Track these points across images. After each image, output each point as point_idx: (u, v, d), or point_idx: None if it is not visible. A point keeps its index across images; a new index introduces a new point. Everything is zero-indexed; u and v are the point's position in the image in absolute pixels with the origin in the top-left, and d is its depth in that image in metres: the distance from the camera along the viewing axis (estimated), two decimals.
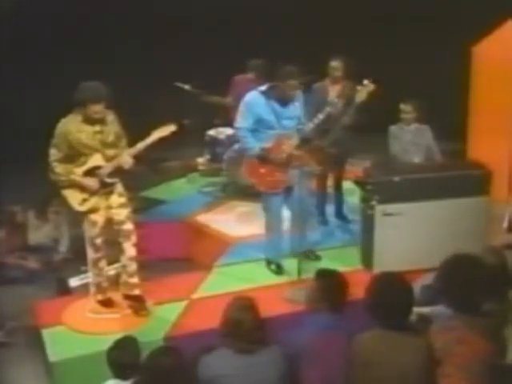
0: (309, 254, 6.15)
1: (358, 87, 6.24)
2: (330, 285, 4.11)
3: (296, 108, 5.86)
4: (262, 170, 5.90)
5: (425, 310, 3.99)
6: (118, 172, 5.34)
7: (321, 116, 5.89)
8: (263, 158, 5.85)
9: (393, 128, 6.72)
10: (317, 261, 6.14)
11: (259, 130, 5.82)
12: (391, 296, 3.54)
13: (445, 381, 3.51)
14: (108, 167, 5.27)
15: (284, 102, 5.78)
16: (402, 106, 6.60)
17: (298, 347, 3.86)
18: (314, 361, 3.84)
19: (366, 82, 6.20)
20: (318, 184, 7.12)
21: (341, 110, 6.40)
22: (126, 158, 5.26)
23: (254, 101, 5.81)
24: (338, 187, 7.17)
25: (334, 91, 6.67)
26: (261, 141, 5.83)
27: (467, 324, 3.56)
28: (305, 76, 5.77)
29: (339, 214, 7.20)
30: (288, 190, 5.96)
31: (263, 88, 5.83)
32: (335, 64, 6.63)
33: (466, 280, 3.59)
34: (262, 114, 5.77)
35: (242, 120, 5.84)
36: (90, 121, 5.16)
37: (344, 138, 6.68)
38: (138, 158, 5.34)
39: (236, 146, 7.83)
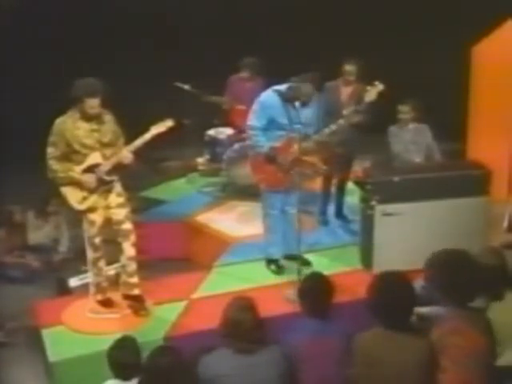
0: (298, 259, 6.08)
1: (368, 87, 6.27)
2: (312, 289, 4.20)
3: (310, 112, 5.86)
4: (267, 168, 5.91)
5: (424, 309, 3.99)
6: (117, 169, 5.35)
7: (333, 127, 5.93)
8: (270, 158, 5.85)
9: (392, 128, 6.76)
10: (306, 266, 5.95)
11: (270, 130, 5.83)
12: (393, 295, 3.54)
13: (441, 376, 3.52)
14: (107, 164, 5.28)
15: (299, 105, 5.78)
16: (400, 107, 6.64)
17: (288, 351, 3.89)
18: (304, 365, 3.88)
19: (376, 82, 6.24)
20: (324, 184, 7.13)
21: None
22: (126, 154, 5.28)
23: (268, 101, 5.81)
24: (340, 187, 7.16)
25: (346, 92, 6.72)
26: (270, 140, 5.84)
27: (461, 316, 3.60)
28: (320, 81, 5.80)
29: (339, 214, 7.21)
30: (288, 191, 5.96)
31: (280, 88, 5.83)
32: (349, 68, 6.65)
33: (455, 272, 3.62)
34: (275, 115, 5.77)
35: (255, 119, 5.84)
36: (86, 118, 5.18)
37: (351, 138, 6.70)
38: (136, 155, 5.35)
39: (236, 146, 7.84)
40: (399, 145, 6.68)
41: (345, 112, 6.23)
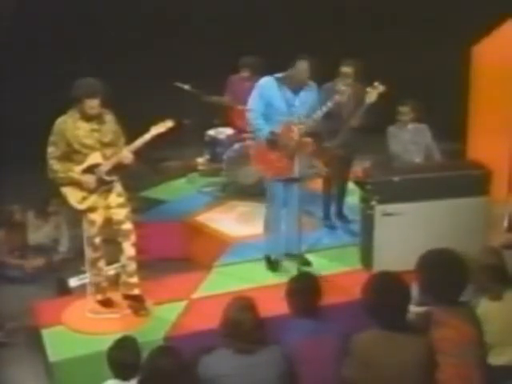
0: (298, 259, 6.01)
1: (368, 89, 6.26)
2: (299, 290, 4.22)
3: (307, 97, 5.87)
4: (270, 156, 5.89)
5: (422, 309, 3.99)
6: (117, 169, 5.34)
7: (329, 103, 5.89)
8: (272, 143, 5.84)
9: (391, 128, 6.75)
10: (306, 266, 6.03)
11: (269, 115, 5.84)
12: (388, 295, 3.54)
13: (438, 372, 3.53)
14: (107, 164, 5.27)
15: (296, 89, 5.79)
16: (400, 108, 6.63)
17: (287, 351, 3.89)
18: (298, 365, 3.87)
19: (376, 83, 6.23)
20: (324, 187, 7.08)
21: (350, 112, 6.44)
22: (126, 154, 5.27)
23: (266, 85, 5.85)
24: (341, 188, 7.13)
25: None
26: (270, 125, 5.84)
27: (448, 311, 3.65)
28: (314, 59, 5.79)
29: (339, 214, 7.20)
30: (290, 184, 5.94)
31: (278, 75, 5.87)
32: (347, 70, 6.58)
33: (441, 273, 3.67)
34: (272, 98, 5.80)
35: (254, 103, 5.87)
36: (86, 118, 5.18)
37: (351, 140, 6.66)
38: (137, 155, 5.35)
39: (236, 146, 7.84)
40: (398, 145, 6.68)
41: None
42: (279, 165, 5.90)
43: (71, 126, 5.17)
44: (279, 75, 5.87)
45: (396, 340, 3.51)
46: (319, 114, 5.87)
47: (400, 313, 3.58)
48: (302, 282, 4.31)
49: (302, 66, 5.74)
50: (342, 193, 7.16)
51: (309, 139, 5.91)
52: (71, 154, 5.24)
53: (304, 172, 5.91)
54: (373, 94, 6.22)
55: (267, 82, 5.87)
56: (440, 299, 3.70)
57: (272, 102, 5.81)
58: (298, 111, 5.81)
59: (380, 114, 6.34)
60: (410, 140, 6.65)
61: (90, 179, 5.25)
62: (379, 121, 6.45)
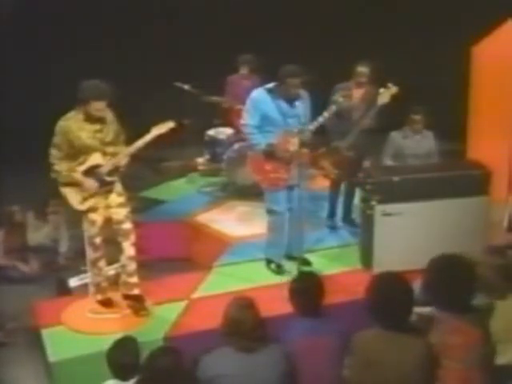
0: (298, 259, 5.94)
1: (381, 90, 6.21)
2: (301, 289, 4.23)
3: (301, 106, 5.84)
4: (267, 167, 5.90)
5: (425, 310, 3.99)
6: (117, 170, 5.34)
7: (326, 114, 5.85)
8: (269, 154, 5.84)
9: (394, 135, 6.69)
10: (306, 266, 5.99)
11: (265, 127, 5.82)
12: (392, 296, 3.53)
13: (442, 374, 3.51)
14: (107, 166, 5.27)
15: (290, 100, 5.78)
16: (414, 117, 6.56)
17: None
18: (297, 364, 3.86)
19: (389, 84, 6.18)
20: (332, 188, 6.98)
21: (362, 113, 6.39)
22: (124, 159, 5.27)
23: (259, 98, 5.82)
24: (350, 191, 6.99)
25: (357, 94, 6.56)
26: (266, 137, 5.83)
27: (457, 318, 3.60)
28: (306, 75, 5.76)
29: (347, 218, 7.06)
30: (290, 190, 5.94)
31: (269, 86, 5.84)
32: (362, 70, 6.47)
33: (452, 280, 3.61)
34: (267, 111, 5.78)
35: (249, 117, 5.85)
36: (91, 119, 5.17)
37: (362, 141, 6.55)
38: (136, 156, 5.34)
39: (236, 146, 7.84)
40: (396, 159, 6.63)
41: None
42: (275, 175, 5.89)
43: (74, 128, 5.16)
44: (270, 86, 5.82)
45: (398, 340, 3.51)
46: (316, 124, 5.83)
47: (404, 313, 3.57)
48: (304, 282, 4.30)
49: (293, 83, 5.70)
50: (350, 196, 7.01)
51: (305, 150, 5.87)
52: (73, 154, 5.23)
53: (303, 177, 5.86)
54: (385, 95, 6.16)
55: (260, 95, 5.83)
56: (451, 306, 3.63)
57: (267, 115, 5.78)
58: (293, 121, 5.76)
59: (391, 115, 6.28)
60: (411, 152, 6.59)
61: (91, 183, 5.24)
62: (378, 121, 6.44)
